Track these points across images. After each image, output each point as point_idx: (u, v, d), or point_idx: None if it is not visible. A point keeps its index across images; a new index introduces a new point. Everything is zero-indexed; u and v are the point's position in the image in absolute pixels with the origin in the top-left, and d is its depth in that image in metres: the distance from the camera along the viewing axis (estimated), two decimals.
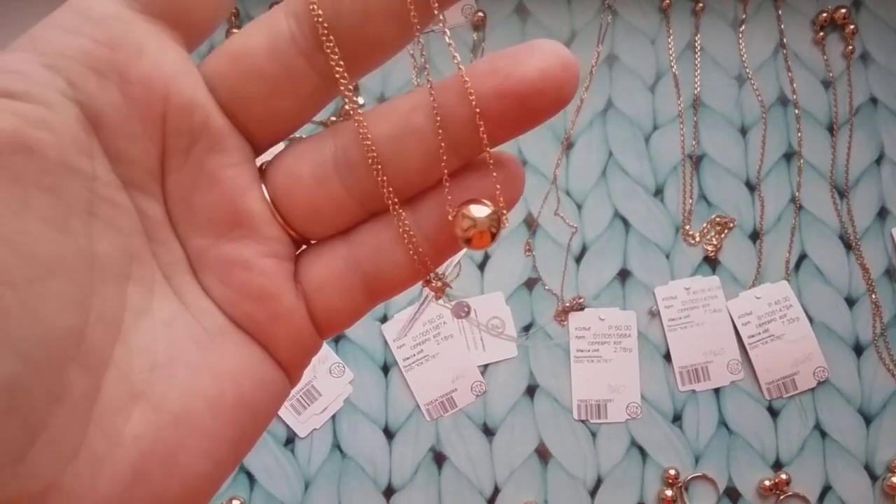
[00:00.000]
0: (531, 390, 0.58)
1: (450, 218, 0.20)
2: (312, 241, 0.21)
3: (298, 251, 0.21)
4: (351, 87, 0.19)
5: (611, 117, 0.62)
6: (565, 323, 0.59)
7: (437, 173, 0.20)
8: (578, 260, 0.60)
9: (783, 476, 0.56)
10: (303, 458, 0.57)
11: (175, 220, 0.20)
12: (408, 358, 0.58)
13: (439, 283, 0.21)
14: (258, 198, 0.20)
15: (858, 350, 0.59)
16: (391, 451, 0.57)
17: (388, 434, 0.58)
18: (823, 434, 0.57)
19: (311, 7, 0.18)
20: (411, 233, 0.20)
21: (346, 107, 0.20)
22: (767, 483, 0.56)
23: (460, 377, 0.58)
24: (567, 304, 0.59)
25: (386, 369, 0.58)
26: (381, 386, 0.58)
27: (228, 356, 0.20)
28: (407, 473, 0.57)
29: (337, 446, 0.57)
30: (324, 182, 0.20)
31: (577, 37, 0.63)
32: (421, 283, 0.21)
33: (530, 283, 0.60)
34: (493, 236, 0.19)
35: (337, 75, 0.19)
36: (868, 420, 0.58)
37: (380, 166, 0.19)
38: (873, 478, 0.57)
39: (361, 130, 0.19)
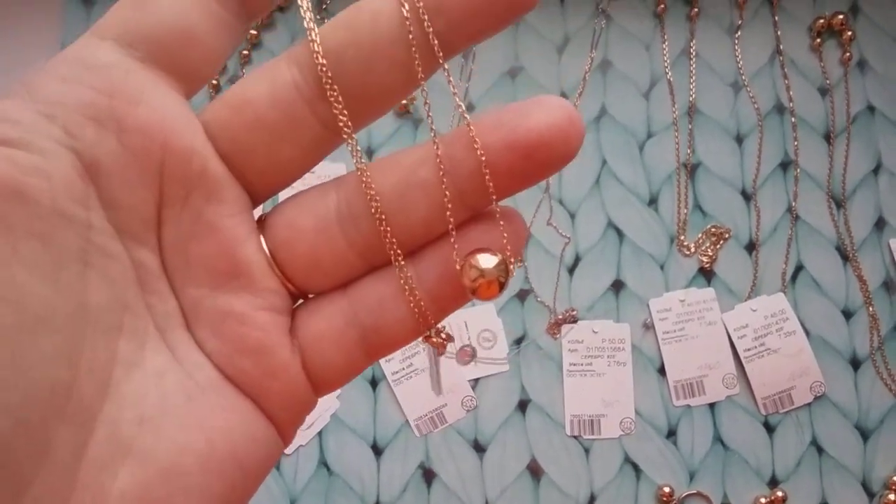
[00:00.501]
0: (523, 405, 0.57)
1: (457, 268, 0.19)
2: (310, 296, 0.21)
3: (295, 305, 0.21)
4: (354, 135, 0.19)
5: (604, 124, 0.61)
6: (558, 336, 0.58)
7: (441, 226, 0.19)
8: (571, 271, 0.59)
9: (779, 493, 0.55)
10: (288, 476, 0.55)
11: (170, 271, 0.19)
12: (396, 372, 0.57)
13: (440, 339, 0.20)
14: (255, 249, 0.19)
15: (855, 364, 0.58)
16: (379, 467, 0.56)
17: (377, 450, 0.56)
18: (820, 450, 0.56)
19: (314, 55, 0.18)
20: (413, 287, 0.19)
21: (352, 158, 0.19)
22: (763, 500, 0.55)
23: (450, 392, 0.57)
24: (560, 317, 0.58)
25: (374, 383, 0.57)
26: (369, 401, 0.57)
27: (219, 411, 0.19)
28: (395, 491, 0.55)
29: (323, 463, 0.56)
30: (326, 234, 0.20)
31: (570, 42, 0.62)
32: (421, 339, 0.20)
33: (522, 295, 0.58)
34: (502, 286, 0.19)
35: (340, 123, 0.19)
36: (865, 436, 0.57)
37: (384, 217, 0.19)
38: (870, 495, 0.56)
39: (365, 180, 0.19)
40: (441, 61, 0.19)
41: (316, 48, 0.18)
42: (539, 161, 0.18)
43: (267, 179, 0.20)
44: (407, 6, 0.18)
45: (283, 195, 0.23)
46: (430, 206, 0.19)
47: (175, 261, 0.19)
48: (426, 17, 0.18)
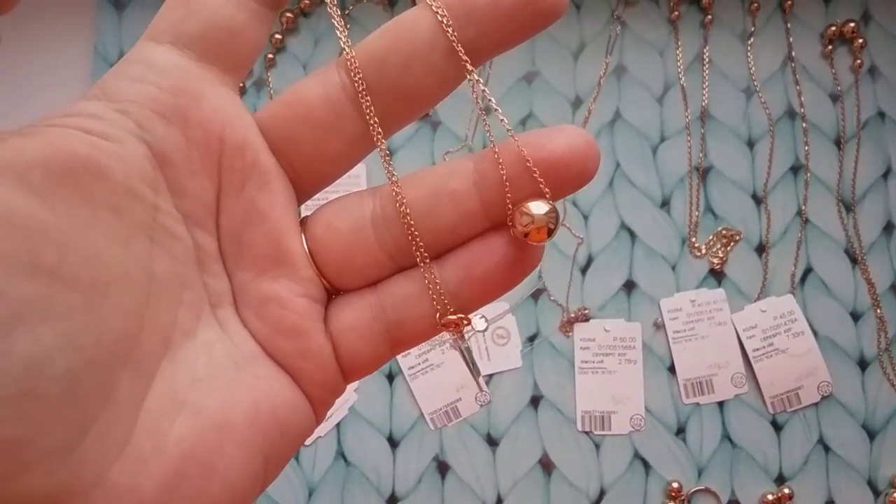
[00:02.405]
0: (535, 401, 0.58)
1: (507, 213, 0.21)
2: (341, 294, 0.23)
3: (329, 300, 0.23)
4: (383, 140, 0.21)
5: (618, 128, 0.63)
6: (570, 334, 0.59)
7: (466, 233, 0.21)
8: (584, 271, 0.60)
9: (786, 490, 0.56)
10: (307, 466, 0.57)
11: (224, 255, 0.22)
12: (413, 367, 0.59)
13: (458, 319, 0.21)
14: (299, 241, 0.22)
15: (863, 365, 0.59)
16: (395, 459, 0.57)
17: (392, 443, 0.58)
18: (827, 449, 0.58)
19: (349, 63, 0.21)
20: (438, 287, 0.21)
21: (382, 162, 0.21)
22: (770, 497, 0.56)
23: (464, 386, 0.58)
24: (572, 315, 0.59)
25: (391, 378, 0.59)
26: (385, 394, 0.58)
27: (263, 378, 0.21)
28: (410, 482, 0.57)
29: (341, 454, 0.58)
30: (359, 234, 0.22)
31: (585, 47, 0.64)
32: (439, 323, 0.22)
33: (536, 294, 0.60)
34: (551, 232, 0.20)
35: (372, 130, 0.21)
36: (872, 435, 0.58)
37: (410, 217, 0.21)
38: (876, 493, 0.57)
39: (396, 186, 0.21)
40: (470, 67, 0.20)
41: (350, 57, 0.21)
42: (558, 178, 0.20)
43: (314, 170, 0.22)
44: (440, 16, 0.20)
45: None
46: (457, 213, 0.21)
47: (229, 245, 0.21)
48: (450, 26, 0.20)
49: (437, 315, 0.21)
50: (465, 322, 0.21)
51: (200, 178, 0.20)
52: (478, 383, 0.28)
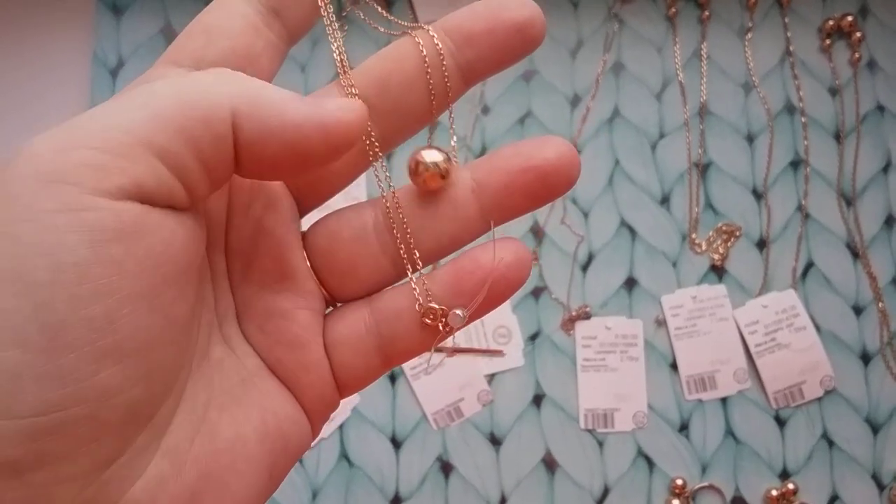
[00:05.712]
0: (538, 399, 0.58)
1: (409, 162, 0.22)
2: (338, 305, 0.23)
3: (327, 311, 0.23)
4: (381, 156, 0.22)
5: (617, 125, 0.62)
6: (572, 332, 0.59)
7: (467, 239, 0.22)
8: (585, 268, 0.60)
9: (790, 485, 0.56)
10: (311, 467, 0.57)
11: (230, 272, 0.22)
12: (415, 367, 0.58)
13: (439, 317, 0.22)
14: (302, 256, 0.22)
15: (866, 359, 0.59)
16: (398, 460, 0.57)
17: (396, 443, 0.58)
18: (831, 443, 0.57)
19: (344, 84, 0.22)
20: (427, 297, 0.22)
21: (375, 174, 0.22)
22: (774, 493, 0.56)
23: (467, 386, 0.58)
24: (573, 313, 0.59)
25: (393, 378, 0.59)
26: (388, 395, 0.58)
27: (266, 393, 0.22)
28: (414, 483, 0.57)
29: (344, 455, 0.57)
30: (362, 242, 0.22)
31: (583, 45, 0.64)
32: (420, 314, 0.22)
33: (537, 292, 0.60)
34: (444, 177, 0.22)
35: (368, 148, 0.22)
36: (875, 429, 0.57)
37: (407, 226, 0.22)
38: (881, 487, 0.57)
39: (393, 197, 0.22)
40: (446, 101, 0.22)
41: (346, 76, 0.22)
42: (549, 184, 0.22)
43: (316, 187, 0.23)
44: (439, 42, 0.21)
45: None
46: (457, 221, 0.22)
47: (235, 262, 0.22)
48: (443, 54, 0.22)
49: (417, 305, 0.22)
50: (445, 313, 0.22)
51: (215, 197, 0.21)
52: (497, 353, 0.28)
